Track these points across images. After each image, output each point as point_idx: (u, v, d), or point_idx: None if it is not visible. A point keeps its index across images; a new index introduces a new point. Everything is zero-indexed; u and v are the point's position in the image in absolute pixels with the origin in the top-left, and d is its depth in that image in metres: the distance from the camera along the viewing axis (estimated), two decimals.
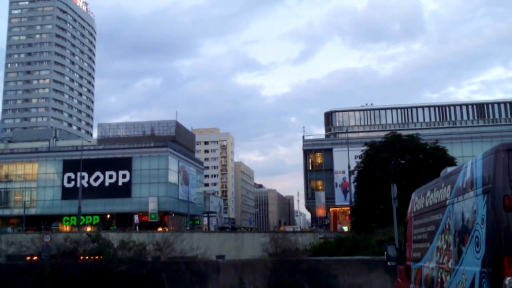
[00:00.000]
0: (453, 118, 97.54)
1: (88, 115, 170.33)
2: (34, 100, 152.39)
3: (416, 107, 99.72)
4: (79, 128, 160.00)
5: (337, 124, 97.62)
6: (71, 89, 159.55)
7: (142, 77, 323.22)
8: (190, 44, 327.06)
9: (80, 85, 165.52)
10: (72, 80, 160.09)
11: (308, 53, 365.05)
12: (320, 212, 79.07)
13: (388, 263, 11.21)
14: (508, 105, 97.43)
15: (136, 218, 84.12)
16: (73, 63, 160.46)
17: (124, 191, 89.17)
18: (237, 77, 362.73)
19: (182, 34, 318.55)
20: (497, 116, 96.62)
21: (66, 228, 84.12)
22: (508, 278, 5.86)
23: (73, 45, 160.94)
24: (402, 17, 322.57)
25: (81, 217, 74.85)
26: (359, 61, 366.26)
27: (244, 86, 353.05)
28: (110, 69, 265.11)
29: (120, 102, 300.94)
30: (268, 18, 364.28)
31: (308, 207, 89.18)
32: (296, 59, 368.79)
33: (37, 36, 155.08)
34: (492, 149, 6.49)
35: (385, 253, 11.12)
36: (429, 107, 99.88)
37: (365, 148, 42.35)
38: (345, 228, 65.82)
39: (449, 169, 8.56)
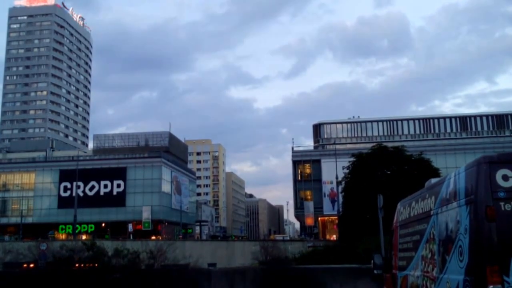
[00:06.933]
0: (437, 131, 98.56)
1: (84, 126, 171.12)
2: (32, 111, 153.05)
3: (402, 120, 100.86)
4: (75, 139, 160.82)
5: (325, 136, 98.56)
6: (68, 101, 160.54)
7: (139, 90, 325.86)
8: (186, 58, 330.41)
9: (77, 97, 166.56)
10: (69, 92, 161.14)
11: (300, 68, 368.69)
12: (309, 221, 79.11)
13: (375, 272, 11.39)
14: (490, 118, 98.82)
15: (130, 227, 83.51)
16: (69, 75, 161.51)
17: (119, 200, 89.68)
18: (230, 90, 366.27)
19: (178, 49, 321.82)
20: (479, 128, 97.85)
21: (62, 236, 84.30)
22: (491, 286, 5.98)
23: (70, 59, 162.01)
24: (390, 34, 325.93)
25: (77, 226, 75.79)
26: (348, 75, 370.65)
27: (238, 99, 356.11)
28: (109, 82, 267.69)
29: (118, 113, 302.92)
30: (261, 34, 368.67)
31: (297, 217, 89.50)
32: (288, 73, 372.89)
33: (35, 49, 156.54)
34: (475, 162, 6.61)
35: (372, 261, 11.35)
36: (414, 119, 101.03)
37: (352, 159, 42.22)
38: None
39: (433, 180, 8.63)
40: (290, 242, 53.02)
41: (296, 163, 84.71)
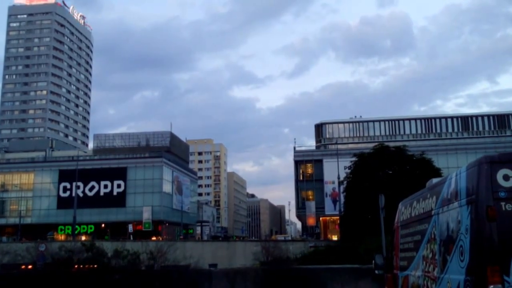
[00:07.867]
0: (438, 130, 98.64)
1: (84, 126, 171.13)
2: (31, 111, 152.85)
3: (403, 120, 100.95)
4: (75, 139, 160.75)
5: (327, 136, 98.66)
6: (68, 100, 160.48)
7: (140, 90, 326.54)
8: (188, 58, 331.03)
9: (77, 97, 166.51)
10: (69, 92, 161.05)
11: (303, 67, 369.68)
12: (311, 221, 78.71)
13: (376, 272, 11.56)
14: (491, 118, 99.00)
15: (130, 227, 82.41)
16: (70, 75, 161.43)
17: (119, 200, 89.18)
18: (233, 90, 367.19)
19: (181, 48, 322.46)
20: (481, 128, 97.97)
21: (61, 237, 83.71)
22: (491, 286, 6.06)
23: (70, 58, 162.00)
24: (392, 33, 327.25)
25: (76, 226, 75.11)
26: (351, 75, 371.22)
27: (240, 98, 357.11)
28: (110, 81, 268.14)
29: (119, 113, 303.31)
30: (265, 34, 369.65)
31: (299, 217, 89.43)
32: (290, 73, 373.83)
33: (35, 48, 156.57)
34: (476, 161, 6.68)
35: (373, 261, 11.49)
36: (415, 119, 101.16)
37: (354, 159, 42.44)
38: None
39: (435, 180, 8.72)
40: (292, 242, 53.17)
41: (298, 163, 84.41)
